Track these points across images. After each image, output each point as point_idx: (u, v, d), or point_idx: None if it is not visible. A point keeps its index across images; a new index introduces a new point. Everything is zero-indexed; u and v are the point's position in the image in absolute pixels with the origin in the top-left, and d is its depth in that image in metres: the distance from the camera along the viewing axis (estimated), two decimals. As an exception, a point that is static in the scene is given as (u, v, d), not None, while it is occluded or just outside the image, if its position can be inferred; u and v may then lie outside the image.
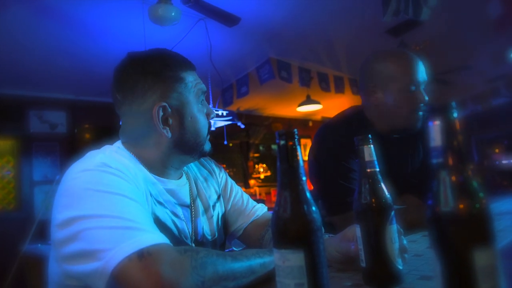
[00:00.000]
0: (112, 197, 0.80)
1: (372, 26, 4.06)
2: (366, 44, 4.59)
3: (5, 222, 4.50)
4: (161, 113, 0.97)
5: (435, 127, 0.50)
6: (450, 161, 0.49)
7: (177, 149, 1.02)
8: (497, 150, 8.82)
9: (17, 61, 3.97)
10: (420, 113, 1.39)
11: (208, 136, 1.08)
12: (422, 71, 1.41)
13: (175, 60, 1.03)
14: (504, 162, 8.44)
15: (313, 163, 1.51)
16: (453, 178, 0.49)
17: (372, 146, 0.75)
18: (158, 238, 0.75)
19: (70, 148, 5.09)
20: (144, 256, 0.69)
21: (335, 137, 1.46)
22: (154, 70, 0.98)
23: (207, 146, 1.08)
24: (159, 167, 1.02)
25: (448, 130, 0.50)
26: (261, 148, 7.80)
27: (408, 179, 1.52)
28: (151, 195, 0.96)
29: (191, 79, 1.03)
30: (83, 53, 3.97)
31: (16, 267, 3.29)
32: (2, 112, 4.69)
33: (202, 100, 1.06)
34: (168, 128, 0.99)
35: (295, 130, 0.61)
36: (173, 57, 1.04)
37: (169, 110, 0.98)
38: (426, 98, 1.38)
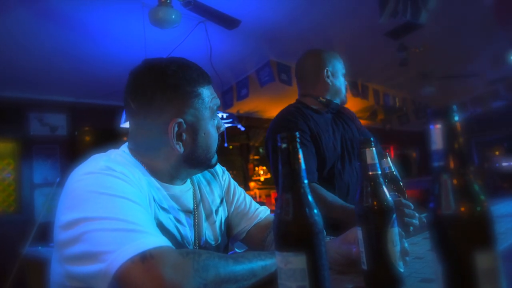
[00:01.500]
0: (116, 200, 0.80)
1: (372, 29, 4.07)
2: (366, 47, 4.61)
3: (6, 224, 4.50)
4: (176, 129, 0.97)
5: (436, 131, 0.51)
6: (451, 164, 0.49)
7: (186, 163, 1.02)
8: (497, 153, 8.83)
9: (18, 64, 3.97)
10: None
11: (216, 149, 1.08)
12: None
13: (195, 74, 1.01)
14: (504, 164, 8.45)
15: (268, 153, 1.79)
16: (455, 181, 0.49)
17: (374, 149, 0.76)
18: (160, 240, 0.75)
19: (70, 151, 5.09)
20: (146, 258, 0.70)
21: (282, 122, 1.77)
22: (173, 84, 0.97)
23: (214, 159, 1.08)
24: (165, 177, 1.03)
25: (449, 134, 0.50)
26: (261, 150, 7.80)
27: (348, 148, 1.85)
28: (154, 200, 0.96)
29: (207, 93, 1.02)
30: (84, 56, 3.97)
31: (16, 270, 3.29)
32: (3, 114, 4.69)
33: (217, 115, 1.06)
34: (181, 143, 0.98)
35: (297, 133, 0.61)
36: (193, 70, 1.02)
37: (184, 126, 0.98)
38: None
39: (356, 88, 5.72)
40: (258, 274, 0.82)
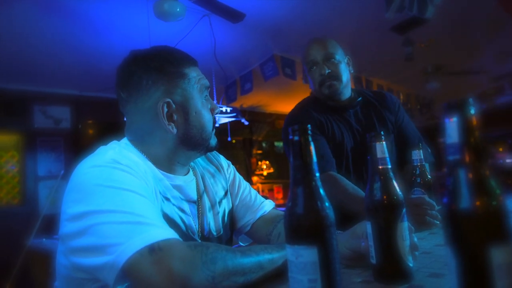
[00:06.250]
0: (123, 193, 0.80)
1: (377, 23, 4.04)
2: (371, 42, 4.58)
3: (10, 216, 4.52)
4: (165, 109, 0.98)
5: (452, 124, 0.50)
6: (467, 158, 0.49)
7: (183, 145, 1.02)
8: (501, 149, 8.79)
9: (22, 56, 3.97)
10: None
11: (214, 131, 1.09)
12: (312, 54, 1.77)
13: (178, 56, 1.04)
14: (508, 161, 8.42)
15: (284, 147, 1.86)
16: (470, 175, 0.48)
17: (384, 143, 0.75)
18: (168, 233, 0.75)
19: (74, 144, 5.10)
20: (155, 250, 0.70)
21: (293, 116, 1.80)
22: (157, 66, 0.99)
23: (213, 141, 1.08)
24: (165, 163, 1.03)
25: (465, 127, 0.49)
26: (264, 145, 7.80)
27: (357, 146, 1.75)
28: (159, 192, 0.97)
29: (194, 74, 1.03)
30: (88, 49, 3.97)
31: (21, 261, 3.31)
32: (7, 107, 4.70)
33: (206, 95, 1.06)
34: (173, 124, 0.99)
35: (309, 125, 0.60)
36: (175, 53, 1.04)
37: (174, 106, 0.99)
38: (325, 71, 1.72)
39: (360, 83, 5.69)
40: (266, 267, 0.83)
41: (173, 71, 1.00)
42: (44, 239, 3.17)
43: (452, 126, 0.50)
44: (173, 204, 1.00)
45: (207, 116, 1.04)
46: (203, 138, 1.04)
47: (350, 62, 1.84)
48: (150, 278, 0.68)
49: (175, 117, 1.00)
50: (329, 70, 1.71)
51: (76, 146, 5.05)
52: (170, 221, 0.96)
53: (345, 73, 1.77)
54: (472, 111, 0.50)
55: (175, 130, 0.99)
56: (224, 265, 0.74)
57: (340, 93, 1.76)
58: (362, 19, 4.00)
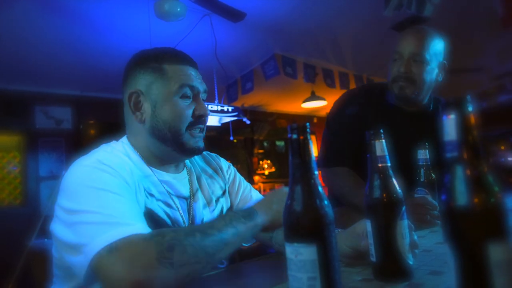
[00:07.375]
0: (99, 193, 0.83)
1: (377, 22, 4.03)
2: (372, 40, 4.57)
3: (12, 217, 4.53)
4: (132, 98, 1.02)
5: (450, 121, 0.50)
6: (465, 155, 0.49)
7: (153, 137, 1.03)
8: (502, 147, 8.77)
9: (23, 57, 3.97)
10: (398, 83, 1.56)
11: (202, 135, 1.07)
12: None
13: (165, 53, 1.05)
14: (510, 159, 8.39)
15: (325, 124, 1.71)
16: (468, 172, 0.48)
17: (384, 141, 0.75)
18: (133, 229, 0.75)
19: (75, 144, 5.10)
20: (112, 251, 0.72)
21: (348, 100, 1.67)
22: (140, 61, 1.04)
23: (196, 144, 1.05)
24: (151, 157, 1.05)
25: (463, 124, 0.49)
26: (265, 144, 7.80)
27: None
28: (144, 189, 0.98)
29: (176, 72, 1.01)
30: (89, 49, 3.97)
31: (22, 262, 3.31)
32: (8, 107, 4.70)
33: (185, 93, 1.02)
34: (139, 113, 1.02)
35: (307, 123, 0.60)
36: (165, 50, 1.06)
37: (141, 95, 1.02)
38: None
39: (362, 82, 5.69)
40: (230, 242, 0.83)
41: (153, 66, 1.02)
42: (45, 240, 3.17)
43: (450, 124, 0.50)
44: (158, 199, 1.01)
45: (178, 112, 1.01)
46: (172, 133, 1.01)
47: (443, 67, 1.63)
48: (111, 277, 0.71)
49: (142, 107, 1.02)
50: (408, 70, 1.52)
51: (78, 146, 5.06)
52: (156, 217, 0.97)
53: (427, 79, 1.55)
54: (470, 109, 0.50)
55: (143, 119, 1.02)
56: (182, 250, 0.74)
57: (411, 99, 1.57)
58: (362, 18, 4.00)
